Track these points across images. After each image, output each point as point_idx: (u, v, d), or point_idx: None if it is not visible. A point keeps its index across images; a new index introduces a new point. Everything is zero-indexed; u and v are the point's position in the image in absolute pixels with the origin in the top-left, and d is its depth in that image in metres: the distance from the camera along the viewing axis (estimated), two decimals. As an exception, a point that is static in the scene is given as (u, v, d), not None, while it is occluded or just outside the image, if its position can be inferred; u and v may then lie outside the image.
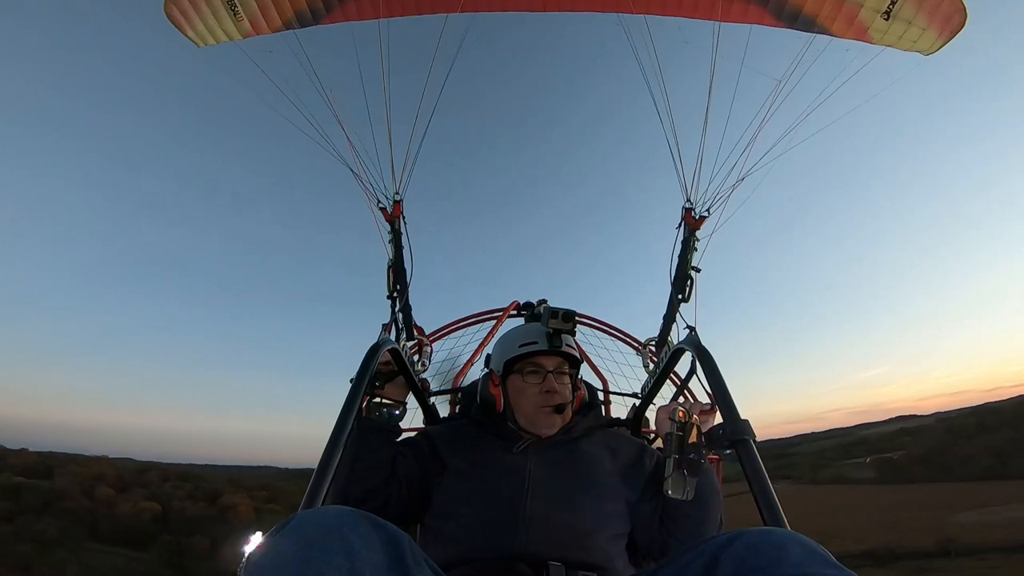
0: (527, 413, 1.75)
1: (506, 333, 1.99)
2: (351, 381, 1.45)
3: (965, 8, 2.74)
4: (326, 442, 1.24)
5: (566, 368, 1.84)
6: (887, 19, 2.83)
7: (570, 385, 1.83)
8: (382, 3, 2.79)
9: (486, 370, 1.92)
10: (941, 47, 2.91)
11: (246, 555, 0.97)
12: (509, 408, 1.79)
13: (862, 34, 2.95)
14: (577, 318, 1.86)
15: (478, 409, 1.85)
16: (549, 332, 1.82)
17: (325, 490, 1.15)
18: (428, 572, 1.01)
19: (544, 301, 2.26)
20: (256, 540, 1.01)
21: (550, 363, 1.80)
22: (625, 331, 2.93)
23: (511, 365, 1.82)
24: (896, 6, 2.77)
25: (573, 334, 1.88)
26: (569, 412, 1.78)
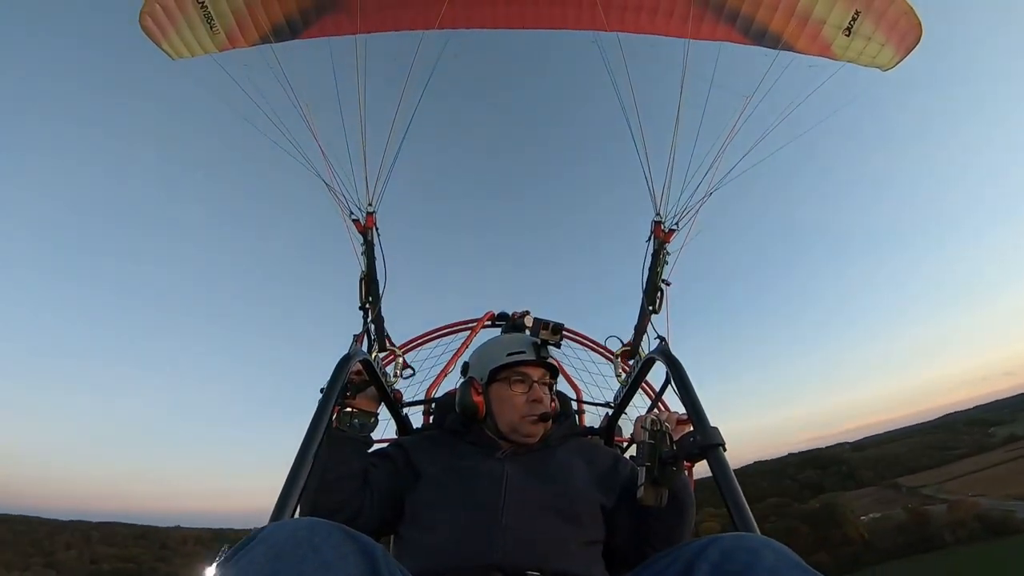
0: (511, 421, 1.75)
1: (488, 342, 2.00)
2: (321, 391, 1.43)
3: (921, 25, 2.87)
4: (295, 453, 1.21)
5: (548, 379, 1.86)
6: (848, 35, 2.95)
7: (551, 395, 1.85)
8: (360, 19, 2.81)
9: (464, 378, 1.91)
10: (899, 62, 3.04)
11: (213, 569, 0.92)
12: (490, 416, 1.79)
13: (825, 50, 3.07)
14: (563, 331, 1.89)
15: (455, 418, 1.85)
16: (537, 343, 1.84)
17: (295, 502, 1.12)
18: None
19: (527, 312, 2.29)
20: (224, 554, 0.97)
21: (536, 373, 1.82)
22: (597, 341, 2.93)
23: (496, 374, 1.81)
24: (856, 23, 2.90)
25: (559, 346, 1.91)
26: (550, 422, 1.80)
